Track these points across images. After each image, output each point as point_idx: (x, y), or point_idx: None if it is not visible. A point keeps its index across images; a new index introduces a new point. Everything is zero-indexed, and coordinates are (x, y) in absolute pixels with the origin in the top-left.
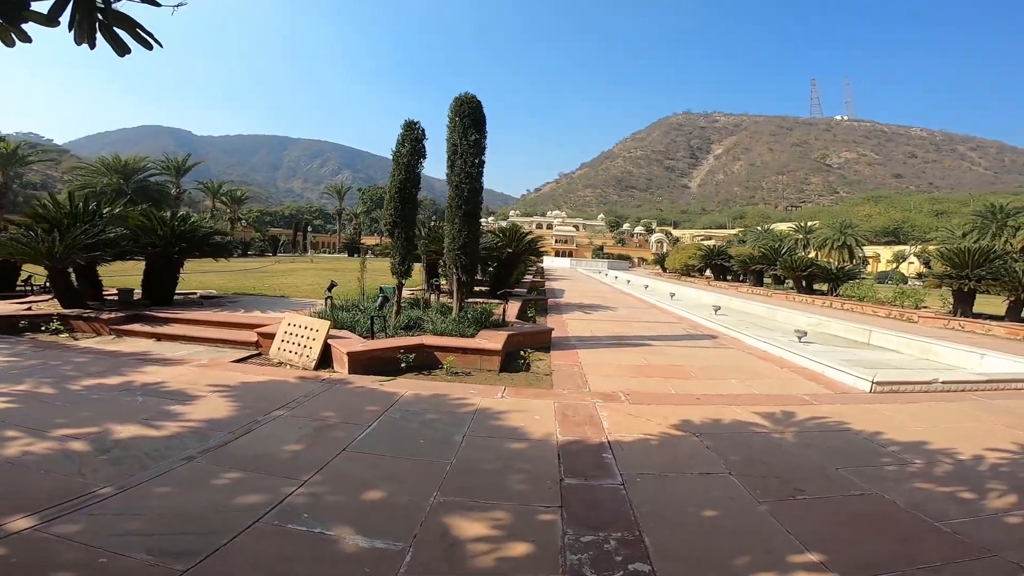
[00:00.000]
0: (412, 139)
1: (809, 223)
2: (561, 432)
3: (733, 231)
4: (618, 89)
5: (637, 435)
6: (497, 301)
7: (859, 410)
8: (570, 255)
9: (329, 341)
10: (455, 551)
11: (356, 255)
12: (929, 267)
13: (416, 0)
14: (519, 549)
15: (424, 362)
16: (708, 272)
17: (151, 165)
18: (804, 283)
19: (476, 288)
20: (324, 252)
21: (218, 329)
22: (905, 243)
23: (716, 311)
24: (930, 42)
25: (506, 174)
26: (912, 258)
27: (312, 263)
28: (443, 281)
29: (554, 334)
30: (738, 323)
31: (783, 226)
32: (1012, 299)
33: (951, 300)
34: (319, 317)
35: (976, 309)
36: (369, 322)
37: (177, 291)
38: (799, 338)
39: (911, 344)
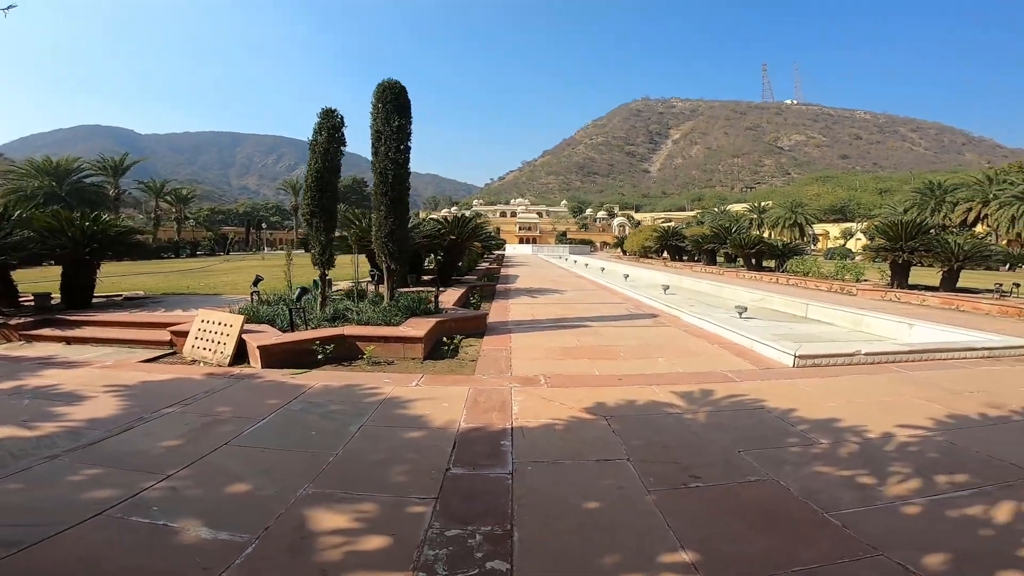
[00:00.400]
0: (330, 127)
1: (763, 203)
2: (466, 419)
3: (692, 213)
4: (578, 77)
5: (545, 420)
6: (442, 289)
7: (778, 386)
8: (534, 242)
9: (244, 336)
10: (303, 544)
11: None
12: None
13: None
14: (375, 543)
15: (345, 353)
16: (665, 253)
17: (86, 166)
18: (754, 260)
19: (424, 276)
20: (280, 249)
21: (132, 330)
22: (852, 220)
23: (665, 290)
24: (875, 30)
25: (469, 164)
26: (859, 234)
27: (263, 260)
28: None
29: (494, 319)
30: (683, 301)
31: (738, 207)
32: (945, 269)
33: (889, 273)
34: (242, 312)
35: (913, 280)
36: (288, 315)
37: (99, 294)
38: (739, 314)
39: (845, 316)
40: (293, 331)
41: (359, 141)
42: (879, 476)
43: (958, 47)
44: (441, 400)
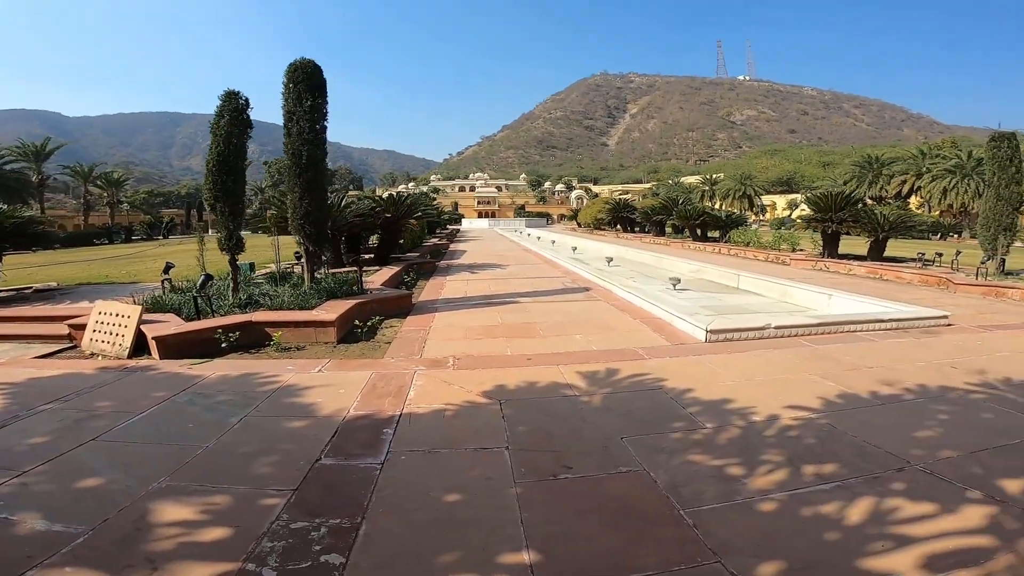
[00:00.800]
0: (231, 110)
1: (714, 175)
2: (357, 406)
3: (648, 185)
4: (538, 52)
5: (438, 406)
6: (374, 268)
7: (685, 363)
8: (492, 216)
9: (142, 327)
10: (138, 535)
11: (260, 232)
12: None
13: None
14: (214, 534)
15: (253, 340)
16: (618, 226)
17: (4, 152)
18: (699, 231)
19: (366, 255)
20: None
21: (32, 324)
22: (797, 192)
23: (609, 262)
24: (823, 8)
25: (427, 139)
26: (802, 205)
27: (203, 244)
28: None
29: (425, 297)
30: (623, 274)
31: (692, 179)
32: (872, 239)
33: (821, 243)
34: (151, 302)
35: (845, 250)
36: (193, 303)
37: (8, 287)
38: (673, 285)
39: (772, 287)
40: (199, 319)
41: None
42: (749, 466)
43: (901, 26)
44: (338, 386)
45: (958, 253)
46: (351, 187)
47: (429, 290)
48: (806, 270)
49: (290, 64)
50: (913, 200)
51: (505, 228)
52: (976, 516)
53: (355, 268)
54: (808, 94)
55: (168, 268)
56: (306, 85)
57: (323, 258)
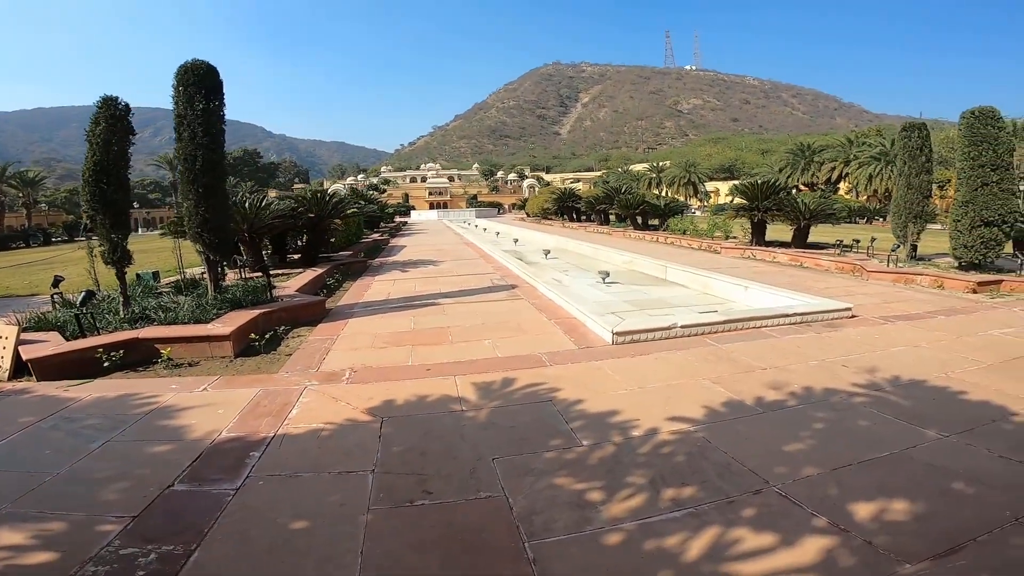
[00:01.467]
0: (108, 116)
1: (661, 163)
2: (232, 428)
3: (598, 173)
4: (491, 41)
5: (317, 425)
6: (284, 272)
7: (584, 370)
8: (444, 206)
9: (20, 348)
10: None
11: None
12: None
13: None
14: (39, 559)
15: (143, 357)
16: (564, 215)
17: None
18: (639, 219)
19: (295, 256)
20: (160, 228)
21: None
22: (737, 178)
23: (547, 255)
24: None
25: (379, 130)
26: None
27: (94, 254)
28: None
29: (345, 301)
30: (557, 267)
31: (640, 167)
32: (795, 227)
33: (750, 231)
34: (37, 318)
35: (773, 237)
36: (76, 320)
37: None
38: (603, 279)
39: (696, 279)
40: (84, 337)
41: (249, 108)
42: (611, 490)
43: (832, 21)
44: (219, 406)
45: (873, 240)
46: (296, 180)
47: (352, 293)
48: (735, 258)
49: (180, 66)
50: (843, 186)
51: (454, 219)
52: (812, 550)
53: (286, 270)
54: (750, 84)
55: (57, 282)
56: (198, 87)
57: (239, 263)
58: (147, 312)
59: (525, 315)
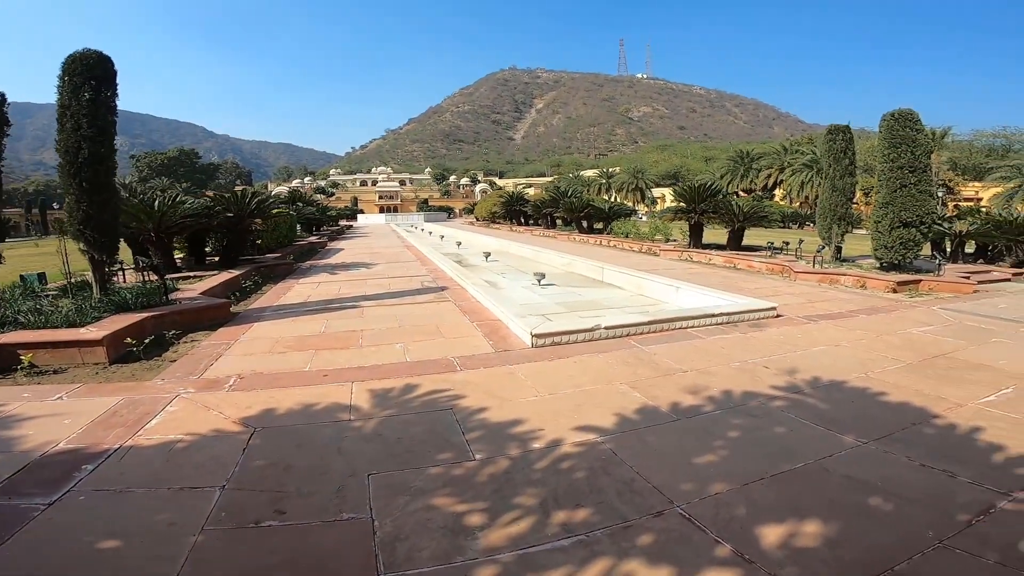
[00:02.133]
0: None
1: (611, 169)
2: (73, 439)
3: (550, 179)
4: (447, 45)
5: (174, 436)
6: (198, 274)
7: (495, 375)
8: (395, 210)
9: None
10: None
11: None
12: None
13: None
14: None
15: (3, 363)
16: (512, 219)
17: None
18: (584, 223)
19: (209, 259)
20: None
21: None
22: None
23: (487, 258)
24: (714, 13)
25: (329, 132)
26: (671, 197)
27: (36, 247)
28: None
29: (256, 304)
30: (495, 270)
31: (591, 172)
32: (731, 229)
33: (688, 233)
34: None
35: (710, 239)
36: None
37: None
38: (539, 281)
39: (631, 280)
40: None
41: (189, 106)
42: (495, 513)
43: (771, 29)
44: (69, 416)
45: (800, 242)
46: (239, 182)
47: (269, 296)
48: (673, 260)
49: (68, 56)
50: (778, 192)
51: (401, 223)
52: None
53: (195, 274)
54: (697, 93)
55: None
56: (85, 77)
57: (142, 264)
58: (18, 316)
59: (448, 318)
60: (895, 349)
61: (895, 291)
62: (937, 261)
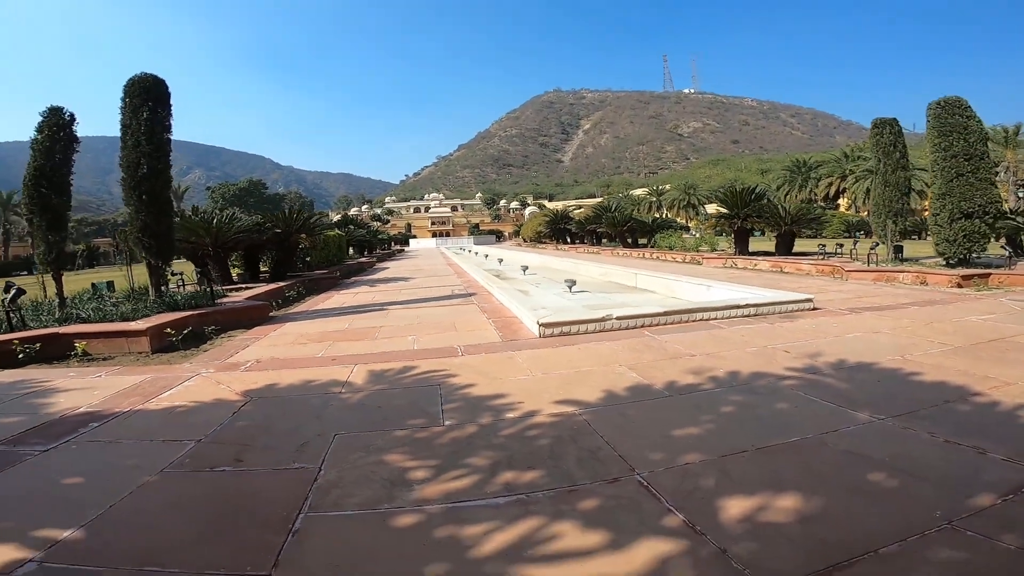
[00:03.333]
0: (51, 126)
1: (661, 186)
2: (94, 405)
3: (600, 199)
4: (494, 69)
5: (181, 402)
6: (262, 285)
7: (495, 359)
8: (447, 235)
9: None
10: None
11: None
12: None
13: None
14: None
15: (61, 351)
16: (557, 237)
17: None
18: (628, 238)
19: (262, 275)
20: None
21: None
22: None
23: (524, 271)
24: (763, 22)
25: (385, 161)
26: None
27: (120, 271)
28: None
29: (295, 309)
30: (530, 281)
31: (640, 191)
32: (777, 234)
33: (733, 241)
34: None
35: (758, 248)
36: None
37: None
38: (569, 288)
39: (663, 283)
40: (12, 332)
41: (258, 140)
42: (442, 470)
43: (832, 38)
44: (96, 389)
45: (856, 242)
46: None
47: (308, 303)
48: (716, 267)
49: (128, 79)
50: (842, 201)
51: (451, 246)
52: (641, 558)
53: (247, 286)
54: (749, 105)
55: (8, 287)
56: (143, 98)
57: (199, 276)
58: (79, 313)
59: (466, 317)
60: (944, 335)
61: (960, 286)
62: (1008, 254)
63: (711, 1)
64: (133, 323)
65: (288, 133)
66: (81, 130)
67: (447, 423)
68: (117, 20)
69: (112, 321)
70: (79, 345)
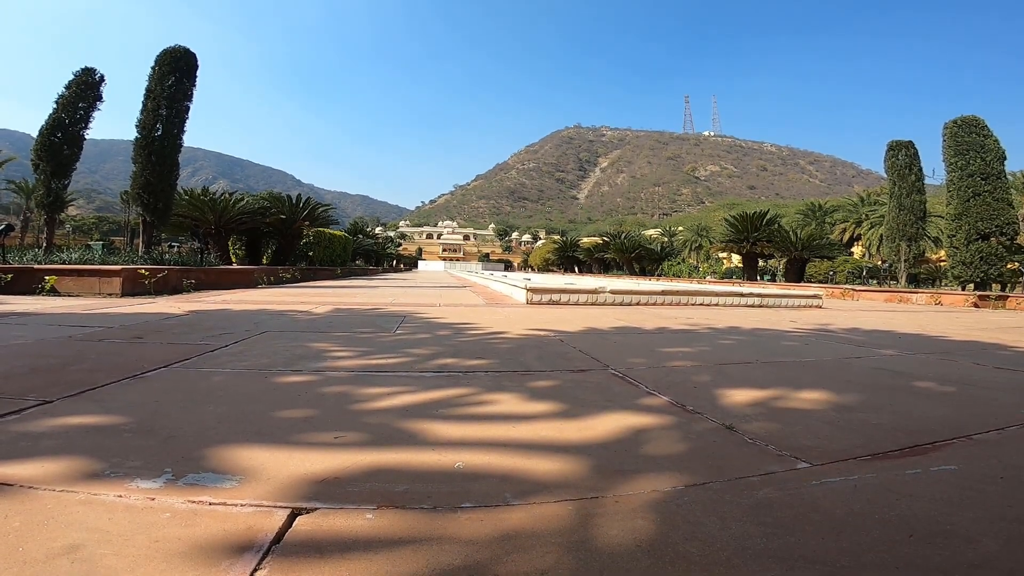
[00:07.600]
0: (81, 83)
1: (674, 228)
2: (28, 310)
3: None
4: (515, 103)
5: (133, 311)
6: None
7: (469, 310)
8: (457, 261)
9: None
10: None
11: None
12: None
13: (311, 7)
14: None
15: (29, 285)
16: (565, 266)
17: None
18: (636, 265)
19: (266, 262)
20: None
21: None
22: None
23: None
24: (783, 67)
25: (402, 186)
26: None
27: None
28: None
29: (287, 284)
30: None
31: (652, 231)
32: (787, 259)
33: (742, 268)
34: None
35: (769, 275)
36: None
37: None
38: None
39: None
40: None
41: (282, 156)
42: (373, 353)
43: (855, 87)
44: (43, 304)
45: (866, 268)
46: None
47: (299, 282)
48: (721, 287)
49: (162, 50)
50: (856, 249)
51: (460, 270)
52: (607, 426)
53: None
54: (768, 150)
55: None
56: (171, 67)
57: (205, 247)
58: (65, 258)
59: (455, 294)
60: (964, 322)
61: (976, 306)
62: None
63: (734, 47)
64: (109, 266)
65: (311, 152)
66: (117, 132)
67: (398, 333)
68: (161, 24)
69: (91, 264)
70: (49, 280)
